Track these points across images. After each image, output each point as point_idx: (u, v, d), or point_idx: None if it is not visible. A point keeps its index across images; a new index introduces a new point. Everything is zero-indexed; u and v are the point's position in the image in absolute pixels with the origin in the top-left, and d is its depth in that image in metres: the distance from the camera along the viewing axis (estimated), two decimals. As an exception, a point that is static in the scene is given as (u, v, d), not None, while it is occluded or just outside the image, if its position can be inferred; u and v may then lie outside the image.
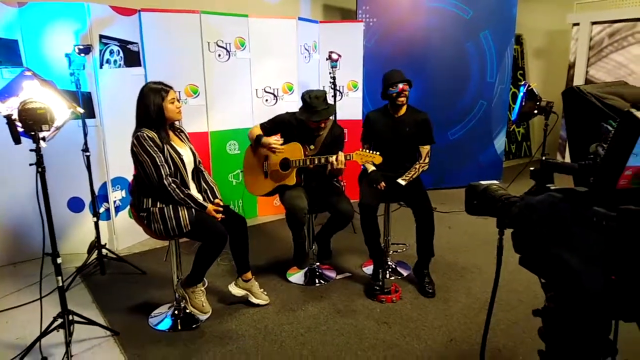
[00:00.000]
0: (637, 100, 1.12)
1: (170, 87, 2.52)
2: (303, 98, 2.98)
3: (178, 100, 2.56)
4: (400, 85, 2.95)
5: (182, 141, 2.63)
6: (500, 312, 2.71)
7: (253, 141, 3.07)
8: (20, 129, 2.08)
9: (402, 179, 2.97)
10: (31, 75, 2.53)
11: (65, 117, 2.67)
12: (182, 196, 2.43)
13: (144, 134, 2.41)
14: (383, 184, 2.96)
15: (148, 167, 2.39)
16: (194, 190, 2.60)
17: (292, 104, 4.24)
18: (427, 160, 3.08)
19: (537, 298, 2.85)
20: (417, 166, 3.06)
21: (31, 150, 2.13)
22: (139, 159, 2.41)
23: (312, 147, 3.06)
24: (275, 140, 3.00)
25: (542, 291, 1.16)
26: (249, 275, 2.80)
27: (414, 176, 3.00)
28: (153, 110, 2.44)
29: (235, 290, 2.80)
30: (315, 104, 2.91)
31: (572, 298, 1.00)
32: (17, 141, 2.06)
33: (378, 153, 2.79)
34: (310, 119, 2.92)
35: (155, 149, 2.41)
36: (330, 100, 3.16)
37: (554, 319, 1.07)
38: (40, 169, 2.13)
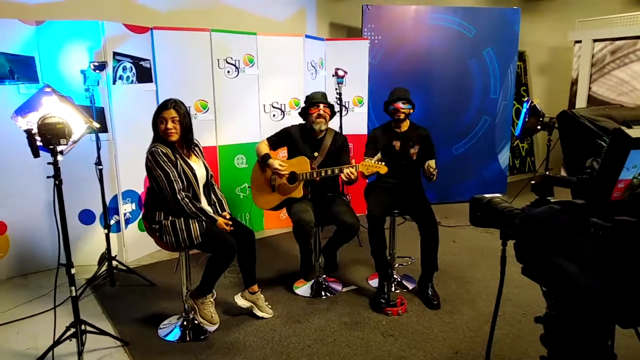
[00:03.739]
0: (626, 120, 1.18)
1: (170, 107, 2.49)
2: (306, 97, 3.20)
3: (175, 122, 2.48)
4: (396, 104, 3.07)
5: (197, 156, 2.70)
6: (505, 325, 2.73)
7: (259, 157, 3.15)
8: (39, 143, 2.16)
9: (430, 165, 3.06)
10: (50, 92, 2.62)
11: (82, 132, 2.75)
12: (194, 210, 2.50)
13: (158, 150, 2.48)
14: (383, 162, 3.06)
15: (162, 182, 2.46)
16: (204, 204, 2.66)
17: (298, 119, 4.32)
18: (436, 169, 3.12)
19: (541, 311, 2.86)
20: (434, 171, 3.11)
21: (49, 163, 2.21)
22: (153, 174, 2.48)
23: (316, 154, 3.13)
24: (280, 164, 3.07)
25: (544, 304, 1.21)
26: (255, 288, 2.84)
27: (435, 172, 3.07)
28: (154, 124, 2.55)
29: (241, 301, 2.84)
30: (315, 95, 3.14)
31: (572, 304, 1.05)
32: (36, 155, 2.14)
33: (383, 163, 2.85)
34: (309, 102, 3.12)
35: (169, 163, 2.48)
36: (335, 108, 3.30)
37: (555, 326, 1.11)
38: (57, 182, 2.20)
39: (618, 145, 0.88)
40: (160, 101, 3.80)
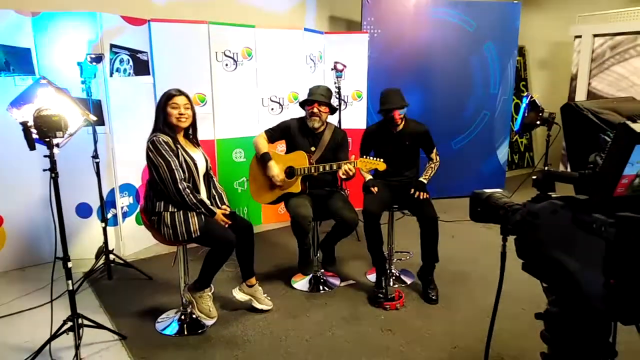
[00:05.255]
0: (630, 114, 1.17)
1: (180, 94, 2.53)
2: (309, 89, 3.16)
3: (187, 108, 2.53)
4: (394, 114, 3.03)
5: (195, 146, 2.68)
6: (504, 320, 2.73)
7: (258, 155, 3.13)
8: (35, 136, 2.14)
9: (424, 178, 3.11)
10: (46, 83, 2.59)
11: (78, 124, 2.73)
12: (195, 201, 2.48)
13: (159, 138, 2.46)
14: (376, 188, 3.05)
15: (163, 171, 2.44)
16: (204, 196, 2.65)
17: (297, 113, 4.31)
18: (437, 159, 3.23)
19: (541, 307, 2.86)
20: (433, 165, 3.20)
21: (45, 156, 2.18)
22: (154, 163, 2.46)
23: (312, 148, 3.12)
24: (277, 173, 3.04)
25: (545, 301, 1.20)
26: (253, 280, 2.83)
27: (432, 174, 3.17)
28: (159, 113, 2.52)
29: (239, 295, 2.83)
30: (314, 91, 3.09)
31: (573, 301, 1.04)
32: (32, 147, 2.12)
33: (382, 160, 2.84)
34: (307, 99, 3.09)
35: (170, 152, 2.46)
36: (334, 102, 3.26)
37: (556, 322, 1.10)
38: (53, 175, 2.18)
39: (623, 140, 0.86)
40: (158, 94, 3.80)
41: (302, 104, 3.17)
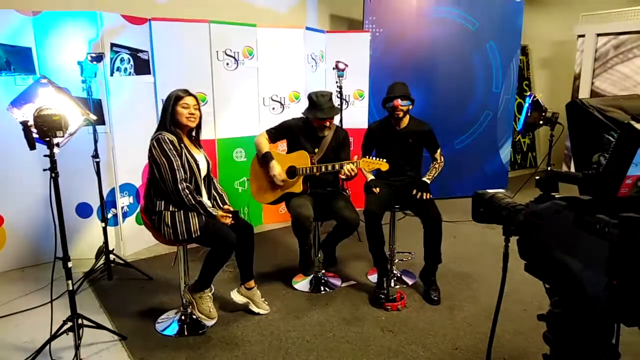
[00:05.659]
0: (638, 112, 1.15)
1: (189, 94, 2.55)
2: (309, 97, 3.07)
3: (196, 108, 2.56)
4: (394, 102, 3.01)
5: (197, 148, 2.68)
6: (505, 321, 2.71)
7: (259, 155, 3.11)
8: (35, 135, 2.13)
9: (427, 178, 3.09)
10: (46, 83, 2.59)
11: (78, 124, 2.72)
12: (194, 202, 2.47)
13: (164, 137, 2.46)
14: (378, 188, 3.03)
15: (164, 170, 2.43)
16: (204, 197, 2.64)
17: (298, 112, 4.29)
18: (442, 160, 3.20)
19: (542, 308, 2.85)
20: (437, 165, 3.18)
21: (45, 155, 2.18)
22: (156, 161, 2.45)
23: (316, 150, 3.10)
24: (279, 173, 3.02)
25: (547, 301, 1.18)
26: (251, 283, 2.82)
27: (435, 175, 3.15)
28: (167, 112, 2.51)
29: (237, 297, 2.82)
30: (321, 102, 3.00)
31: (575, 303, 1.02)
32: (32, 147, 2.11)
33: (385, 160, 2.82)
34: (315, 116, 3.00)
35: (174, 152, 2.46)
36: (335, 103, 3.22)
37: (558, 324, 1.09)
38: (53, 174, 2.18)
39: (627, 140, 0.85)
40: (159, 93, 3.80)
41: (312, 115, 3.05)
